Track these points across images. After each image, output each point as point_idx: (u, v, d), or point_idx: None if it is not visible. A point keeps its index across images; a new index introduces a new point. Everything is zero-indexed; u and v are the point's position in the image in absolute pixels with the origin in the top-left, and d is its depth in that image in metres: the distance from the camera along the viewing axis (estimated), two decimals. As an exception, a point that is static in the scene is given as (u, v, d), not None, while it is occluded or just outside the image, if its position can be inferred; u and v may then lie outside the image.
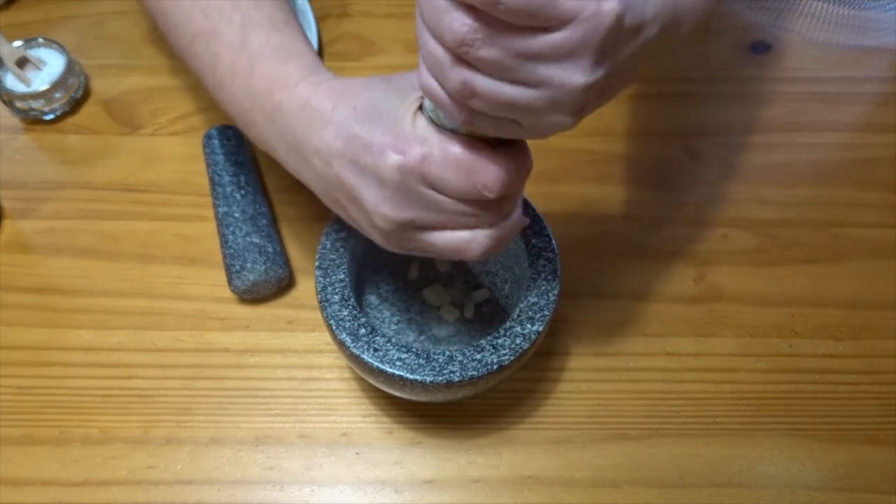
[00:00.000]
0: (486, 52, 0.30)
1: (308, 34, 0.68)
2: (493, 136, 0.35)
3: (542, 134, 0.34)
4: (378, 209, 0.38)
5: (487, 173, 0.36)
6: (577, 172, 0.63)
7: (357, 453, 0.52)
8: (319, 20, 0.71)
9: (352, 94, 0.39)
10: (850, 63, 0.70)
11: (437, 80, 0.33)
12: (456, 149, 0.35)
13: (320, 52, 0.69)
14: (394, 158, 0.36)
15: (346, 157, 0.38)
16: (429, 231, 0.39)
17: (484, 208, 0.37)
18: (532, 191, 0.51)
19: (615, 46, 0.31)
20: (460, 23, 0.29)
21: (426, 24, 0.31)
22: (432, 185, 0.37)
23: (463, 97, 0.32)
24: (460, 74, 0.31)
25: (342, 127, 0.38)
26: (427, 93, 0.34)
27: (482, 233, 0.38)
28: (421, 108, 0.37)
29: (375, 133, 0.37)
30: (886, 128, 0.66)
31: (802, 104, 0.68)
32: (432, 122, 0.36)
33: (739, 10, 0.74)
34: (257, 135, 0.45)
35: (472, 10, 0.29)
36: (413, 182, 0.36)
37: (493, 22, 0.29)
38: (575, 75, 0.30)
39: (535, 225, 0.49)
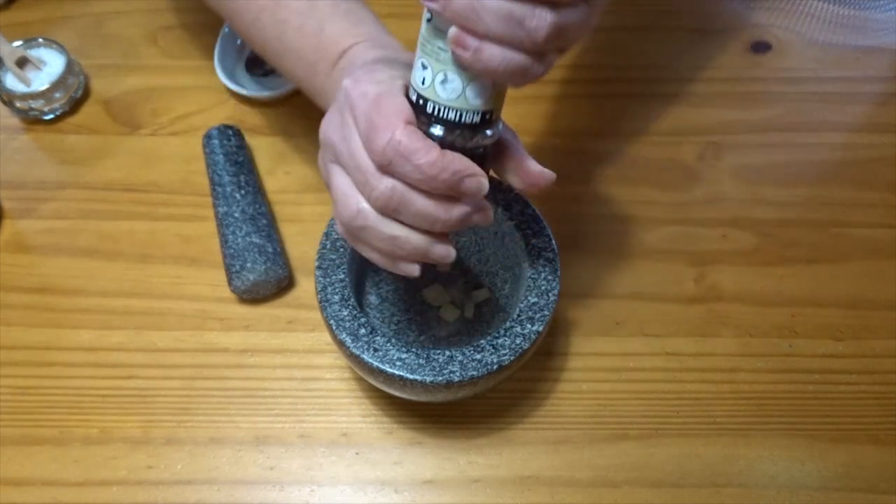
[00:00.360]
0: None
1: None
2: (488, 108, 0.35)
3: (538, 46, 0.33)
4: (366, 179, 0.37)
5: (384, 132, 0.35)
6: (577, 172, 0.63)
7: (357, 453, 0.52)
8: (319, 20, 0.71)
9: (374, 75, 0.39)
10: (850, 63, 0.70)
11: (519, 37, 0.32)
12: (371, 95, 0.37)
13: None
14: (346, 85, 0.38)
15: (349, 109, 0.38)
16: (338, 164, 0.39)
17: (376, 170, 0.37)
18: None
19: None
20: None
21: None
22: (349, 114, 0.38)
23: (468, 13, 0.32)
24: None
25: (363, 83, 0.38)
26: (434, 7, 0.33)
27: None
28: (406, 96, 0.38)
29: (381, 112, 0.37)
30: (886, 128, 0.66)
31: (802, 104, 0.68)
32: (416, 107, 0.36)
33: (739, 10, 0.74)
34: (319, 84, 0.46)
35: None
36: (342, 106, 0.38)
37: None
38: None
39: (535, 225, 0.49)
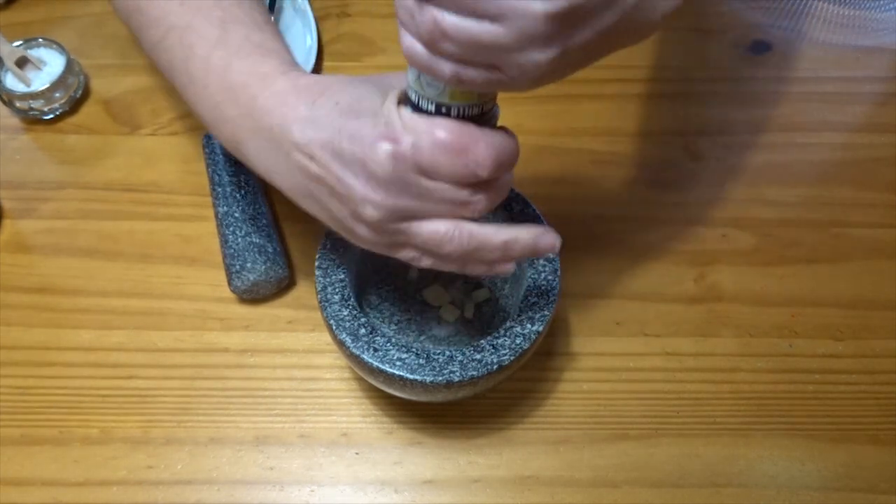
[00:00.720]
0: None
1: (308, 34, 0.68)
2: (480, 93, 0.36)
3: (527, 77, 0.33)
4: (368, 197, 0.38)
5: (477, 150, 0.36)
6: (577, 172, 0.63)
7: (357, 453, 0.52)
8: (319, 20, 0.71)
9: (333, 90, 0.39)
10: (850, 63, 0.70)
11: (411, 33, 0.33)
12: (444, 132, 0.36)
13: (320, 52, 0.69)
14: (385, 148, 0.36)
15: (330, 149, 0.38)
16: (416, 220, 0.39)
17: (474, 192, 0.37)
18: (532, 191, 0.51)
19: (565, 27, 0.31)
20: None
21: None
22: (424, 172, 0.37)
23: (434, 39, 0.32)
24: (428, 13, 0.31)
25: (325, 121, 0.38)
26: (408, 53, 0.34)
27: (463, 225, 0.38)
28: (402, 100, 0.38)
29: (363, 125, 0.37)
30: (886, 128, 0.66)
31: (802, 104, 0.68)
32: (416, 109, 0.37)
33: (739, 10, 0.74)
34: (229, 132, 0.44)
35: None
36: (405, 170, 0.36)
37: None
38: (534, 57, 0.31)
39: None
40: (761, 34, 0.72)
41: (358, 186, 0.38)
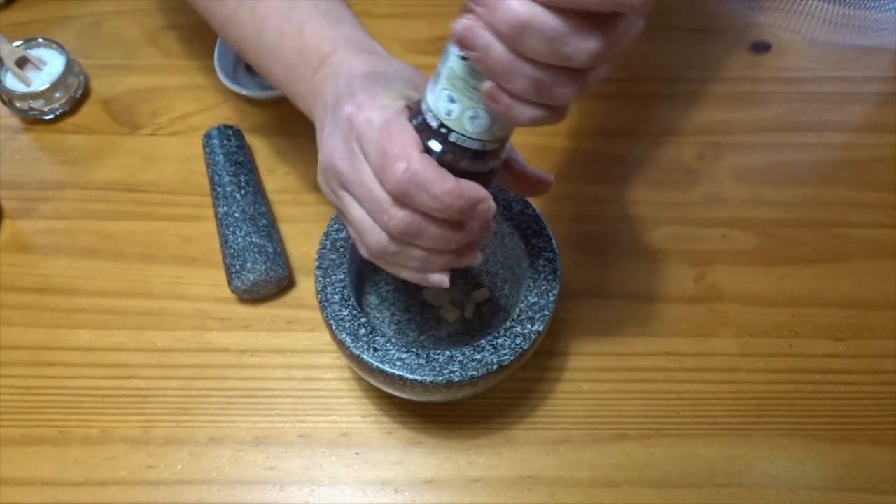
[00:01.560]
0: (601, 51, 0.31)
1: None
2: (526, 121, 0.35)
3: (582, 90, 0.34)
4: (325, 141, 0.39)
5: (399, 162, 0.35)
6: (577, 172, 0.63)
7: (357, 453, 0.52)
8: (319, 20, 0.71)
9: (385, 89, 0.39)
10: (850, 63, 0.70)
11: (538, 99, 0.33)
12: (383, 128, 0.36)
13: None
14: (348, 111, 0.38)
15: (359, 146, 0.38)
16: (346, 193, 0.39)
17: (390, 203, 0.37)
18: (532, 191, 0.51)
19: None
20: (595, 40, 0.31)
21: (538, 56, 0.31)
22: (361, 148, 0.37)
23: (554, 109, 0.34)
24: (571, 90, 0.33)
25: (370, 117, 0.38)
26: (526, 119, 0.34)
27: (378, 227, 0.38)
28: (410, 108, 0.38)
29: (392, 141, 0.36)
30: (886, 128, 0.66)
31: (802, 104, 0.68)
32: (430, 130, 0.36)
33: (739, 10, 0.74)
34: (301, 90, 0.45)
35: (597, 26, 0.30)
36: (350, 136, 0.38)
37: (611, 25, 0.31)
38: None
39: (535, 225, 0.49)
40: (761, 34, 0.72)
41: (326, 133, 0.40)
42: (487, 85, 0.33)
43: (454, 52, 0.34)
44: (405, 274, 0.41)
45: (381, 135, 0.36)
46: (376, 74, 0.40)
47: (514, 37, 0.30)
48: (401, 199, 0.36)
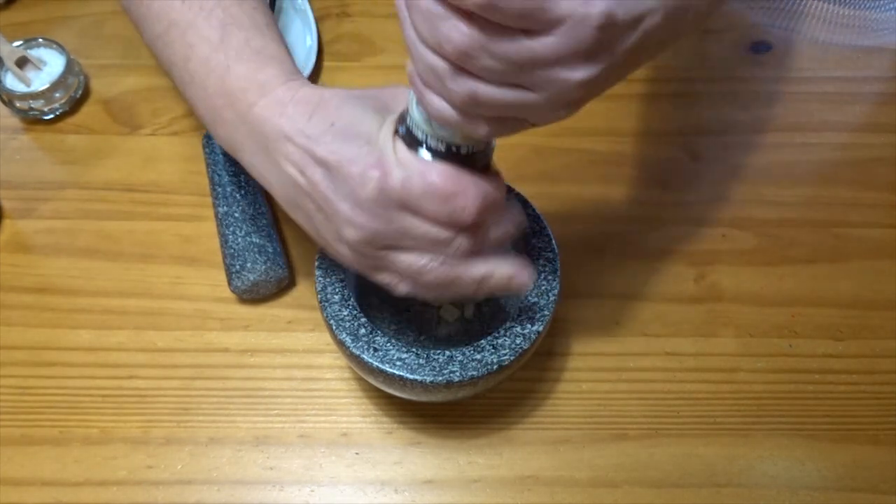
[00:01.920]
0: (488, 62, 0.30)
1: (308, 34, 0.68)
2: (492, 136, 0.36)
3: (542, 124, 0.35)
4: (351, 220, 0.38)
5: (465, 198, 0.37)
6: (577, 172, 0.63)
7: (357, 453, 0.52)
8: (319, 20, 0.71)
9: (328, 107, 0.40)
10: (850, 63, 0.70)
11: (438, 93, 0.33)
12: (435, 176, 0.37)
13: (320, 52, 0.69)
14: (373, 176, 0.37)
15: (322, 167, 0.39)
16: (394, 250, 0.39)
17: (457, 234, 0.38)
18: (532, 191, 0.51)
19: (610, 42, 0.31)
20: (460, 32, 0.30)
21: (421, 36, 0.31)
22: (408, 209, 0.38)
23: (469, 107, 0.33)
24: (465, 85, 0.32)
25: (320, 139, 0.39)
26: (437, 115, 0.34)
27: (440, 259, 0.39)
28: (396, 131, 0.38)
29: (357, 151, 0.38)
30: (886, 128, 0.66)
31: (802, 104, 0.68)
32: (411, 145, 0.37)
33: (739, 10, 0.73)
34: (225, 133, 0.44)
35: (469, 17, 0.29)
36: (389, 203, 0.37)
37: (489, 28, 0.29)
38: (572, 74, 0.31)
39: (535, 225, 0.49)
40: (761, 34, 0.72)
41: (344, 208, 0.38)
42: (409, 67, 0.34)
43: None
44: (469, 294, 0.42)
45: (428, 188, 0.37)
46: (341, 130, 0.39)
47: (410, 16, 0.31)
48: (479, 220, 0.38)
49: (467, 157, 0.37)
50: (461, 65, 0.31)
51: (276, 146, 0.40)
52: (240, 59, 0.43)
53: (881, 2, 0.74)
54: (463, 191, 0.37)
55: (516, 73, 0.31)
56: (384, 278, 0.41)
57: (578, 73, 0.31)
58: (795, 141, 0.65)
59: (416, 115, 0.37)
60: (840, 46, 0.71)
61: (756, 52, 0.71)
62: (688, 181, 0.63)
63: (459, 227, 0.38)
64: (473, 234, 0.39)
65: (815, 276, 0.59)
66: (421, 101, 0.35)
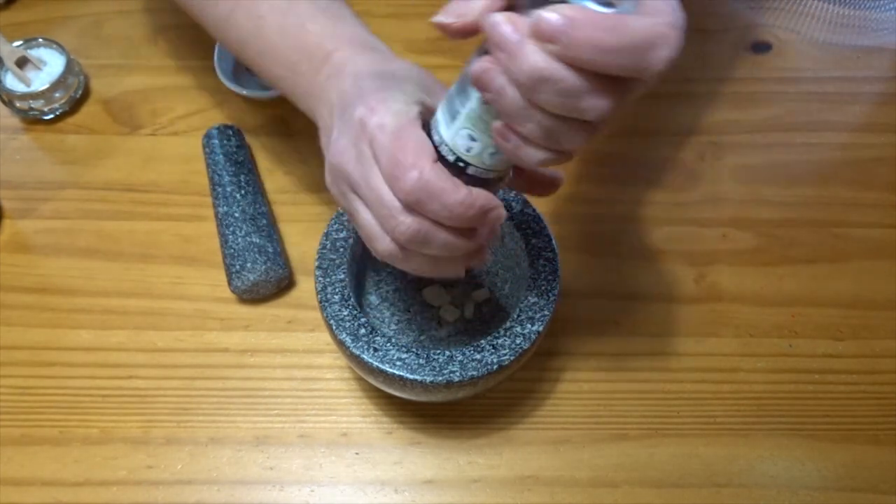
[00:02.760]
0: (605, 112, 0.31)
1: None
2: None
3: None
4: (334, 142, 0.39)
5: (405, 170, 0.36)
6: (577, 172, 0.63)
7: (357, 453, 0.52)
8: (319, 20, 0.71)
9: (394, 93, 0.39)
10: (850, 63, 0.70)
11: (546, 149, 0.34)
12: (399, 139, 0.36)
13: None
14: (361, 113, 0.37)
15: (369, 151, 0.38)
16: (352, 195, 0.39)
17: (400, 209, 0.37)
18: (532, 191, 0.51)
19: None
20: (605, 101, 0.30)
21: (551, 108, 0.31)
22: (374, 155, 0.37)
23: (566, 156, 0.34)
24: (579, 138, 0.33)
25: (383, 121, 0.37)
26: (535, 161, 0.34)
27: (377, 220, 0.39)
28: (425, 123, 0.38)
29: (402, 150, 0.36)
30: (886, 128, 0.66)
31: (802, 104, 0.68)
32: (445, 160, 0.37)
33: (739, 10, 0.74)
34: (302, 91, 0.44)
35: (607, 86, 0.30)
36: (362, 139, 0.37)
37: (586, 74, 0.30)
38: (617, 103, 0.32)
39: (535, 225, 0.49)
40: (761, 34, 0.72)
41: (335, 133, 0.39)
42: (498, 124, 0.33)
43: (475, 94, 0.34)
44: (419, 271, 0.40)
45: (393, 142, 0.36)
46: (385, 75, 0.39)
47: (530, 87, 0.30)
48: (412, 207, 0.36)
49: (469, 176, 0.37)
50: (592, 126, 0.32)
51: (346, 102, 0.39)
52: (313, 18, 0.44)
53: (881, 2, 0.74)
54: (412, 164, 0.35)
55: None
56: (354, 221, 0.41)
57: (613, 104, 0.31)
58: (795, 141, 0.66)
59: (472, 152, 0.36)
60: (840, 46, 0.71)
61: (756, 52, 0.71)
62: (688, 181, 0.63)
63: (403, 202, 0.36)
64: (417, 219, 0.37)
65: (815, 276, 0.59)
66: (517, 155, 0.34)
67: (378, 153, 0.37)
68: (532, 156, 0.33)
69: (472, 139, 0.35)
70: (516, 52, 0.30)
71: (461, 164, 0.36)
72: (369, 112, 0.37)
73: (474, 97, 0.34)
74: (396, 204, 0.37)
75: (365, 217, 0.39)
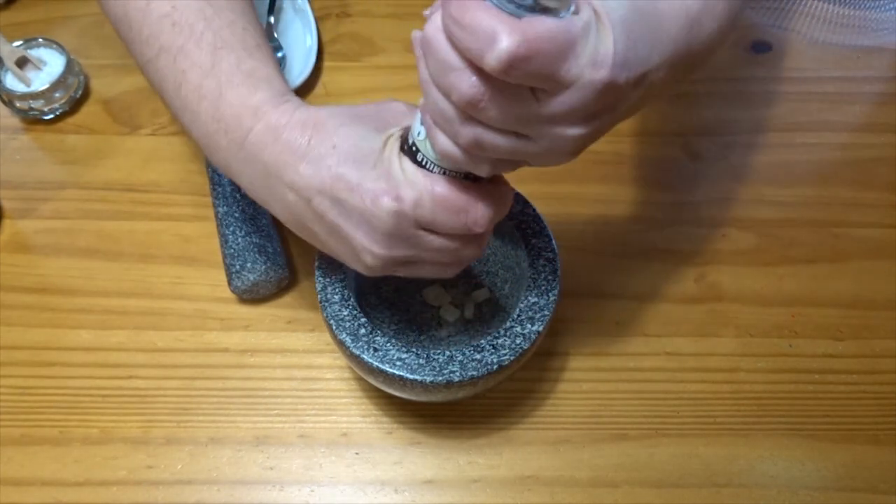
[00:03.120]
0: (493, 113, 0.31)
1: (308, 34, 0.68)
2: (492, 174, 0.37)
3: (543, 166, 0.36)
4: (368, 248, 0.39)
5: (476, 210, 0.38)
6: (577, 172, 0.63)
7: (357, 453, 0.52)
8: (319, 20, 0.71)
9: (327, 128, 0.39)
10: (850, 63, 0.70)
11: (445, 133, 0.34)
12: (445, 191, 0.37)
13: (320, 52, 0.69)
14: (389, 205, 0.37)
15: (329, 195, 0.38)
16: (413, 262, 0.41)
17: (469, 241, 0.40)
18: (532, 191, 0.51)
19: (613, 104, 0.32)
20: (469, 84, 0.30)
21: (433, 79, 0.32)
22: (423, 226, 0.38)
23: (472, 150, 0.34)
24: (471, 131, 0.33)
25: (322, 165, 0.38)
26: (443, 153, 0.35)
27: (455, 261, 0.41)
28: (402, 147, 0.38)
29: (364, 177, 0.38)
30: (886, 128, 0.66)
31: (802, 104, 0.68)
32: (416, 161, 0.37)
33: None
34: (222, 159, 0.43)
35: (479, 71, 0.30)
36: (406, 226, 0.38)
37: (498, 84, 0.30)
38: (571, 130, 0.32)
39: (535, 225, 0.49)
40: (761, 34, 0.72)
41: (358, 236, 0.39)
42: (421, 103, 0.35)
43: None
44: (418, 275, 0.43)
45: (434, 205, 0.37)
46: (338, 137, 0.39)
47: (423, 52, 0.32)
48: (490, 229, 0.39)
49: (419, 163, 0.38)
50: (468, 112, 0.32)
51: (277, 175, 0.40)
52: (231, 83, 0.42)
53: (881, 2, 0.74)
54: (473, 204, 0.37)
55: (521, 126, 0.32)
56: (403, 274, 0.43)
57: (577, 130, 0.32)
58: (795, 141, 0.66)
59: (421, 143, 0.37)
60: (840, 46, 0.71)
61: (756, 52, 0.71)
62: (688, 181, 0.63)
63: (471, 236, 0.39)
64: (482, 241, 0.40)
65: (815, 276, 0.59)
66: (430, 137, 0.35)
67: (430, 216, 0.38)
68: (439, 141, 0.34)
69: (422, 123, 0.36)
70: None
71: (414, 150, 0.37)
72: (397, 201, 0.38)
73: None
74: (455, 244, 0.39)
75: (438, 244, 0.40)
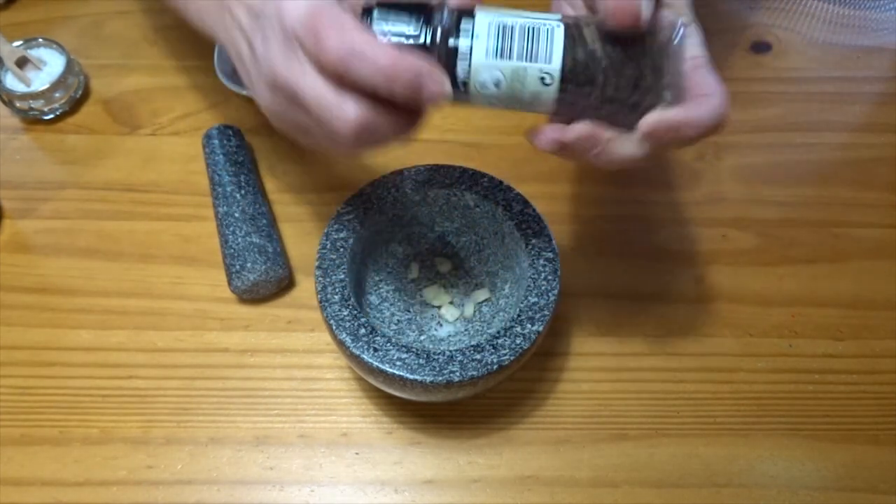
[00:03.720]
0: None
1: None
2: None
3: None
4: (258, 69, 0.37)
5: (328, 35, 0.34)
6: (577, 172, 0.63)
7: (357, 453, 0.52)
8: None
9: None
10: (850, 63, 0.70)
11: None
12: (369, 38, 0.34)
13: None
14: (292, 10, 0.35)
15: (245, 5, 0.38)
16: (299, 107, 0.37)
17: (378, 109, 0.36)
18: (532, 191, 0.51)
19: None
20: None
21: None
22: (323, 65, 0.35)
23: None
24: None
25: (294, 4, 0.35)
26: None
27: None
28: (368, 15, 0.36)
29: (322, 19, 0.35)
30: (886, 128, 0.66)
31: (802, 104, 0.68)
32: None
33: (739, 10, 0.74)
34: (204, 4, 0.42)
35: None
36: (289, 37, 0.35)
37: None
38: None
39: (535, 225, 0.49)
40: (761, 34, 0.72)
41: (258, 46, 0.37)
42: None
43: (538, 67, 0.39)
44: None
45: (312, 18, 0.34)
46: None
47: None
48: (343, 79, 0.34)
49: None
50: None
51: None
52: None
53: (881, 2, 0.74)
54: (333, 31, 0.34)
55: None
56: (306, 138, 0.39)
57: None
58: (795, 141, 0.66)
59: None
60: (840, 46, 0.71)
61: (756, 52, 0.71)
62: (688, 181, 0.63)
63: (332, 71, 0.34)
64: (357, 105, 0.35)
65: (815, 276, 0.59)
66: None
67: (302, 36, 0.34)
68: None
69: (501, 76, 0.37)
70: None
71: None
72: (282, 3, 0.35)
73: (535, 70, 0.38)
74: (333, 95, 0.34)
75: (312, 126, 0.37)
